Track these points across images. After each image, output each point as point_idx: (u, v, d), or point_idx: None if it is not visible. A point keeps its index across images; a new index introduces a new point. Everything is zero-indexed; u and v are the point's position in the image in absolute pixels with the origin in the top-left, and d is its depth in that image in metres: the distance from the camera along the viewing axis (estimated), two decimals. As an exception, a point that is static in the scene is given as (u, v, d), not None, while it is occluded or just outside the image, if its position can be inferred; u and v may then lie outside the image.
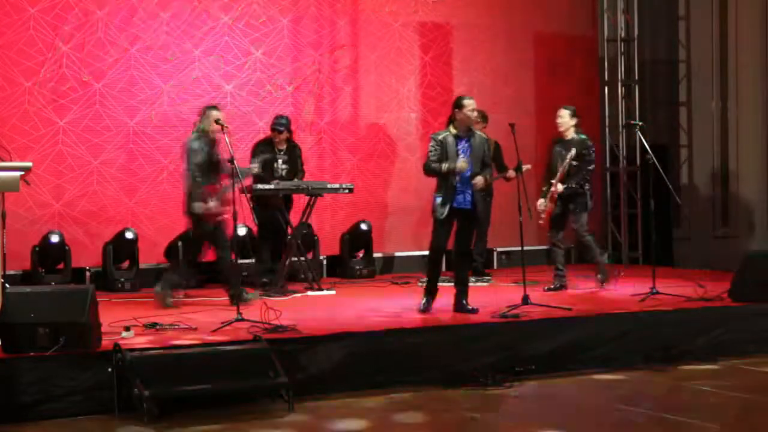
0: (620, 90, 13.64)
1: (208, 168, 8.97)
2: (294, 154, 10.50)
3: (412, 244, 12.07)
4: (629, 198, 13.56)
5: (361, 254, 11.84)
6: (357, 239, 11.78)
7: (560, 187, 9.60)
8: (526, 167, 9.78)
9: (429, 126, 12.07)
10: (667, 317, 8.49)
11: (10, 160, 7.56)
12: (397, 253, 12.27)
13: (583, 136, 9.79)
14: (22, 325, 6.66)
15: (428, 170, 8.46)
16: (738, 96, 13.16)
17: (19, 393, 6.41)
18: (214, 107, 9.18)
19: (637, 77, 13.65)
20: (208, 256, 10.89)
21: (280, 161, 10.41)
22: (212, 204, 8.90)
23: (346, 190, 10.50)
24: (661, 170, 9.69)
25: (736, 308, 8.82)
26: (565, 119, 9.79)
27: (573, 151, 9.52)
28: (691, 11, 13.72)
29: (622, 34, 13.68)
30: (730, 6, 13.20)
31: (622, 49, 13.67)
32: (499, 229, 11.53)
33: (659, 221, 10.65)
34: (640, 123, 10.78)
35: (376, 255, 11.94)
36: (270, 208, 10.12)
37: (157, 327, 7.76)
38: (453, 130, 8.40)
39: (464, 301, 8.51)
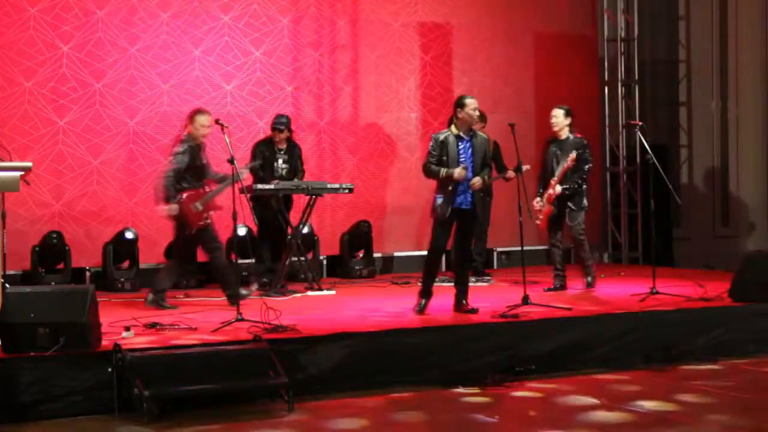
0: (620, 90, 13.64)
1: (193, 172, 8.94)
2: (294, 154, 10.50)
3: (412, 244, 12.07)
4: (629, 198, 13.57)
5: (361, 254, 11.84)
6: (357, 239, 11.78)
7: (559, 188, 9.57)
8: (525, 167, 9.77)
9: (429, 126, 12.07)
10: (667, 317, 8.48)
11: (10, 160, 7.54)
12: (397, 253, 12.28)
13: (579, 136, 9.75)
14: (22, 325, 6.65)
15: (427, 172, 8.42)
16: (738, 96, 13.16)
17: (19, 393, 6.41)
18: (201, 112, 9.11)
19: (637, 77, 13.65)
20: (203, 256, 10.93)
21: (280, 161, 10.41)
22: (173, 207, 8.86)
23: (346, 190, 10.50)
24: (661, 170, 9.68)
25: (736, 308, 8.82)
26: (560, 119, 9.75)
27: (574, 153, 9.49)
28: (691, 11, 13.72)
29: (622, 34, 13.69)
30: (730, 6, 13.21)
31: (622, 49, 13.67)
32: (499, 229, 11.54)
33: (659, 221, 10.65)
34: (640, 123, 10.76)
35: (376, 255, 11.95)
36: (270, 208, 10.12)
37: (157, 327, 7.76)
38: (454, 130, 8.39)
39: (464, 301, 8.50)
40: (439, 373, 7.45)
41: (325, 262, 11.86)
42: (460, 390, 7.26)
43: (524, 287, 8.59)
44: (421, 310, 8.45)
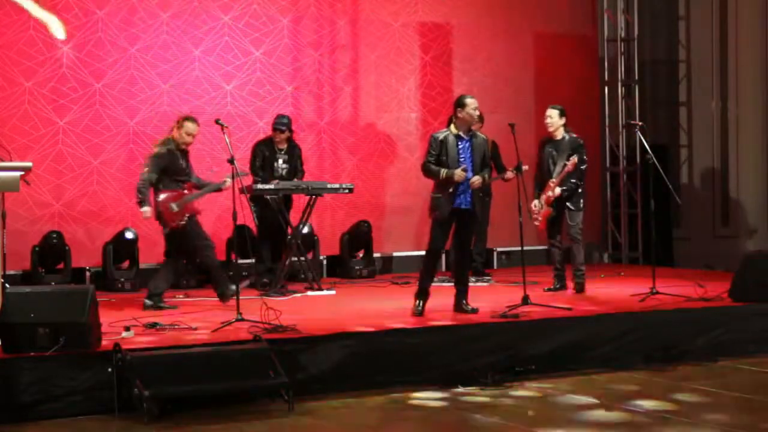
0: (620, 90, 13.64)
1: (172, 175, 8.93)
2: (294, 154, 10.51)
3: (412, 244, 12.07)
4: (629, 198, 13.56)
5: (361, 254, 11.84)
6: (357, 239, 11.77)
7: (558, 190, 9.53)
8: (524, 168, 9.76)
9: (429, 126, 12.07)
10: (667, 317, 8.48)
11: (10, 160, 7.54)
12: (397, 253, 12.27)
13: (574, 135, 9.69)
14: (22, 325, 6.66)
15: (427, 172, 8.40)
16: (738, 96, 13.15)
17: (19, 393, 6.41)
18: (191, 119, 9.11)
19: (637, 77, 13.65)
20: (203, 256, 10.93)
21: (280, 161, 10.41)
22: (147, 210, 8.85)
23: (346, 190, 10.50)
24: (661, 170, 9.68)
25: (736, 308, 8.82)
26: (555, 119, 9.67)
27: (575, 157, 9.45)
28: (691, 11, 13.71)
29: (622, 34, 13.68)
30: (730, 6, 13.20)
31: (622, 49, 13.67)
32: (499, 229, 11.53)
33: (659, 221, 10.64)
34: (640, 123, 10.76)
35: (376, 255, 11.94)
36: (270, 208, 10.12)
37: (157, 327, 7.76)
38: (454, 130, 8.38)
39: (464, 301, 8.49)
40: (439, 373, 7.45)
41: (325, 262, 11.85)
42: (460, 390, 7.26)
43: (524, 287, 8.59)
44: (420, 312, 8.39)
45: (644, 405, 6.82)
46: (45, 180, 10.54)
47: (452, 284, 8.82)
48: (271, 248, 10.52)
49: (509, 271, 11.72)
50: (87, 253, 10.76)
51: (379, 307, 9.02)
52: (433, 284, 8.74)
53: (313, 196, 10.28)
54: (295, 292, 10.01)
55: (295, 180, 10.34)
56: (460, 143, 8.33)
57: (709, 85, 13.44)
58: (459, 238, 8.57)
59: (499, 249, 12.71)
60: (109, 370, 6.54)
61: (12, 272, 9.95)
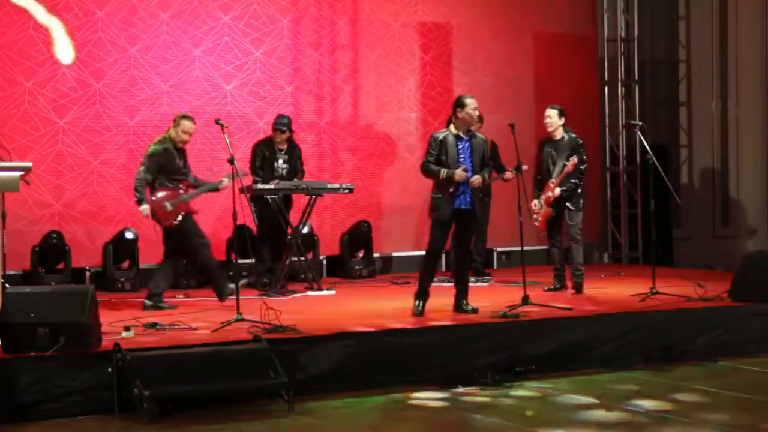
0: (620, 90, 13.64)
1: (168, 174, 8.93)
2: (294, 155, 10.51)
3: (412, 244, 12.07)
4: (629, 198, 13.57)
5: (361, 254, 11.84)
6: (357, 239, 11.77)
7: (558, 191, 9.51)
8: (524, 168, 9.74)
9: (429, 126, 12.07)
10: (667, 317, 8.48)
11: (10, 160, 7.54)
12: (397, 253, 12.27)
13: (573, 135, 9.66)
14: (22, 325, 6.66)
15: (426, 172, 8.39)
16: (738, 96, 13.15)
17: (19, 393, 6.41)
18: (187, 117, 9.10)
19: (637, 77, 13.65)
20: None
21: (280, 161, 10.42)
22: (145, 208, 8.85)
23: (346, 190, 10.50)
24: (661, 170, 9.67)
25: (736, 308, 8.82)
26: (554, 119, 9.64)
27: (575, 158, 9.43)
28: (691, 11, 13.71)
29: (622, 34, 13.69)
30: (730, 6, 13.19)
31: (622, 49, 13.67)
32: (499, 229, 11.53)
33: (659, 221, 10.64)
34: (640, 123, 10.75)
35: (376, 255, 11.94)
36: (270, 208, 10.12)
37: (157, 327, 7.76)
38: (453, 130, 8.38)
39: (464, 301, 8.49)
40: (439, 373, 7.45)
41: (325, 262, 11.85)
42: (460, 390, 7.26)
43: (524, 287, 8.59)
44: (420, 312, 8.38)
45: (644, 405, 6.82)
46: (45, 180, 10.54)
47: (452, 284, 8.81)
48: (271, 248, 10.52)
49: (509, 271, 11.72)
50: (87, 253, 10.76)
51: (379, 307, 9.02)
52: (433, 284, 8.74)
53: (313, 196, 10.28)
54: (295, 292, 10.01)
55: (295, 180, 10.34)
56: (459, 143, 8.33)
57: (709, 85, 13.44)
58: (459, 239, 8.57)
59: (499, 249, 12.71)
60: (109, 370, 6.54)
61: (12, 272, 9.95)
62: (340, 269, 11.75)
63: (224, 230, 11.01)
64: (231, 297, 8.85)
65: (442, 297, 8.77)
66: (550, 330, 8.00)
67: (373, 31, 12.21)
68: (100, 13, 10.86)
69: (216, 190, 9.28)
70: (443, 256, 11.69)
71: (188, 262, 9.55)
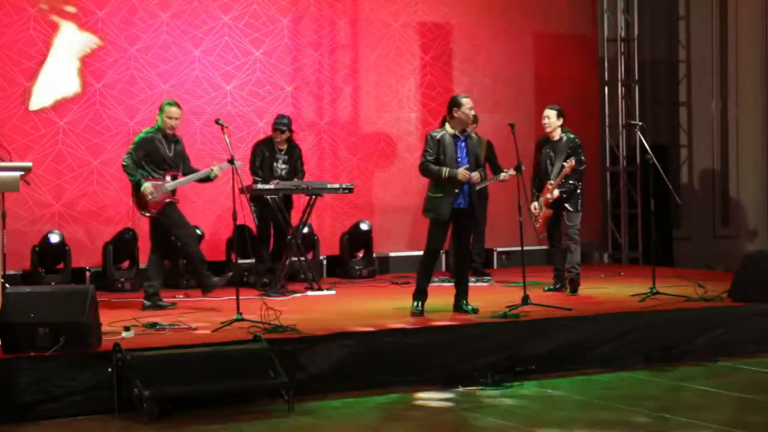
0: (620, 90, 13.64)
1: (154, 163, 8.89)
2: (294, 155, 10.51)
3: (413, 244, 12.05)
4: (629, 198, 13.56)
5: (361, 254, 11.83)
6: (357, 239, 11.77)
7: (556, 192, 9.48)
8: (510, 171, 9.74)
9: (429, 126, 12.05)
10: (667, 317, 8.48)
11: (10, 160, 7.54)
12: (397, 253, 12.27)
13: (571, 135, 9.62)
14: (22, 325, 6.66)
15: (426, 171, 8.36)
16: (738, 96, 13.15)
17: (19, 393, 6.41)
18: (172, 102, 9.06)
19: (637, 77, 13.65)
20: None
21: (280, 161, 10.41)
22: (147, 186, 8.79)
23: (346, 190, 10.50)
24: (661, 170, 9.67)
25: (736, 308, 8.82)
26: (552, 119, 9.61)
27: (572, 160, 9.41)
28: (691, 11, 13.71)
29: (622, 34, 13.68)
30: (730, 6, 13.20)
31: (622, 49, 13.67)
32: (499, 229, 11.53)
33: (659, 221, 10.64)
34: (640, 123, 10.75)
35: (376, 255, 11.94)
36: (270, 208, 10.12)
37: (157, 327, 7.76)
38: (450, 130, 8.37)
39: (464, 301, 8.49)
40: (439, 373, 7.45)
41: (325, 262, 11.85)
42: (460, 390, 7.26)
43: (524, 287, 8.59)
44: (419, 312, 8.38)
45: (644, 405, 6.82)
46: (45, 180, 10.54)
47: (452, 284, 8.81)
48: (271, 248, 10.53)
49: (509, 271, 11.72)
50: (87, 253, 10.76)
51: (379, 307, 9.02)
52: (433, 284, 8.72)
53: (313, 196, 10.28)
54: (295, 292, 10.01)
55: (296, 180, 10.34)
56: (456, 143, 8.33)
57: (709, 85, 13.44)
58: (458, 238, 8.57)
59: (499, 249, 12.71)
60: (109, 370, 6.54)
61: (12, 272, 9.95)
62: (340, 269, 11.75)
63: (224, 230, 11.02)
64: (214, 289, 9.04)
65: (442, 297, 8.77)
66: (550, 330, 8.00)
67: (373, 31, 12.21)
68: (100, 14, 10.86)
69: (208, 179, 9.21)
70: (443, 256, 11.72)
71: (173, 253, 9.48)
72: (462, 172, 8.20)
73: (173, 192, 8.97)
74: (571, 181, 9.47)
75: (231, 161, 8.29)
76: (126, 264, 10.67)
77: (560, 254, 9.81)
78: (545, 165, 9.60)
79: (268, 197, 10.05)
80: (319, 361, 7.18)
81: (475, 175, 8.31)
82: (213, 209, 11.24)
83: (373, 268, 11.72)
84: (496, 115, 11.98)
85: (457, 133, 8.35)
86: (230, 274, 9.65)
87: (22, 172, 6.98)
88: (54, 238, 10.36)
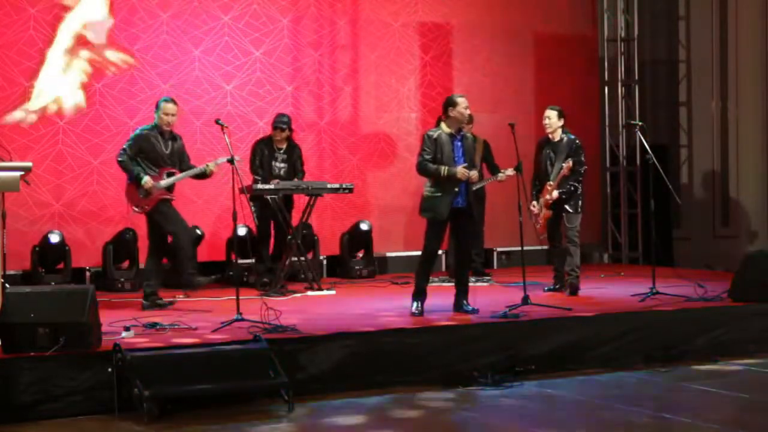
0: (620, 90, 13.64)
1: (149, 160, 8.88)
2: (293, 154, 10.51)
3: (413, 244, 12.03)
4: (629, 198, 13.56)
5: (361, 254, 11.83)
6: (357, 239, 11.77)
7: (556, 193, 9.45)
8: (511, 171, 9.73)
9: (429, 126, 11.92)
10: (667, 317, 8.49)
11: (10, 160, 7.54)
12: (397, 253, 12.27)
13: (572, 136, 9.59)
14: (22, 325, 6.66)
15: (424, 170, 8.34)
16: (738, 96, 13.15)
17: (19, 393, 6.41)
18: (168, 99, 9.04)
19: (637, 77, 13.65)
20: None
21: (279, 160, 10.41)
22: (147, 179, 8.76)
23: (346, 190, 10.49)
24: (661, 170, 9.67)
25: (736, 308, 8.82)
26: (553, 120, 9.57)
27: (570, 162, 9.39)
28: (691, 11, 13.71)
29: (622, 34, 13.68)
30: (730, 6, 13.19)
31: (622, 49, 13.67)
32: (499, 229, 11.52)
33: (659, 221, 10.64)
34: (640, 123, 10.74)
35: (376, 255, 11.93)
36: (270, 208, 10.12)
37: (157, 327, 7.76)
38: (446, 129, 8.37)
39: (464, 301, 8.49)
40: (439, 373, 7.45)
41: (325, 262, 11.85)
42: (460, 390, 7.26)
43: (524, 287, 8.59)
44: (419, 312, 8.37)
45: (644, 405, 6.82)
46: (45, 180, 10.54)
47: (452, 284, 8.80)
48: (272, 248, 10.53)
49: (509, 271, 11.72)
50: (87, 253, 10.76)
51: (379, 307, 9.02)
52: (434, 284, 8.69)
53: (313, 196, 10.28)
54: (295, 292, 10.01)
55: (295, 180, 10.34)
56: (453, 142, 8.32)
57: (709, 85, 13.44)
58: (457, 238, 8.56)
59: (499, 249, 12.71)
60: (109, 370, 6.54)
61: (12, 272, 9.94)
62: (340, 269, 11.75)
63: (224, 230, 11.02)
64: (198, 289, 9.12)
65: (441, 297, 8.77)
66: (550, 330, 8.00)
67: (373, 31, 12.21)
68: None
69: (203, 175, 9.19)
70: (443, 256, 11.72)
71: (167, 251, 9.48)
72: (461, 170, 8.20)
73: (169, 189, 8.95)
74: (570, 182, 9.44)
75: (231, 160, 8.27)
76: (126, 264, 10.66)
77: (560, 255, 9.81)
78: (545, 166, 9.58)
79: (268, 197, 10.05)
80: (319, 361, 7.18)
81: (474, 174, 8.32)
82: (213, 209, 11.24)
83: (373, 268, 11.72)
84: (496, 115, 11.97)
85: (453, 132, 8.35)
86: (213, 277, 9.66)
87: (22, 172, 6.98)
88: (54, 238, 10.36)
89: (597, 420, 6.50)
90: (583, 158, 9.54)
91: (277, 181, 10.16)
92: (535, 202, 9.57)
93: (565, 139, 9.54)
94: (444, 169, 8.22)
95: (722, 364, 8.16)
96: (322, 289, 10.12)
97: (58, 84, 10.65)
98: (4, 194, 7.53)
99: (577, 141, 9.56)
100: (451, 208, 8.30)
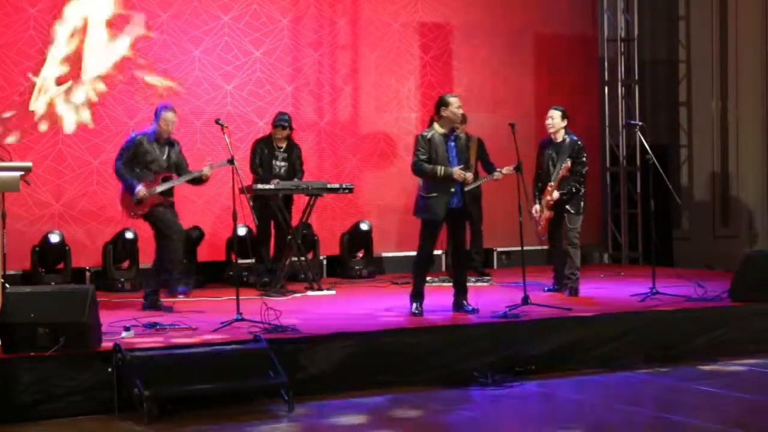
0: (620, 90, 13.64)
1: (144, 166, 8.85)
2: (293, 154, 10.51)
3: (413, 244, 11.97)
4: (629, 198, 13.56)
5: (361, 254, 11.83)
6: (357, 239, 11.77)
7: (556, 194, 9.43)
8: (509, 168, 9.73)
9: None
10: (667, 317, 8.49)
11: (10, 160, 7.54)
12: (397, 253, 12.26)
13: (574, 137, 9.57)
14: (22, 325, 6.65)
15: (420, 171, 8.31)
16: (738, 96, 13.16)
17: (19, 393, 6.41)
18: (168, 108, 9.02)
19: (637, 77, 13.65)
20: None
21: (279, 159, 10.41)
22: (140, 189, 8.74)
23: (346, 190, 10.49)
24: (661, 170, 9.67)
25: (736, 308, 8.82)
26: (557, 120, 9.52)
27: (569, 162, 9.37)
28: (691, 11, 13.72)
29: (622, 34, 13.68)
30: (730, 6, 13.21)
31: (622, 49, 13.67)
32: (499, 229, 11.52)
33: (659, 221, 10.64)
34: (640, 123, 10.75)
35: (376, 255, 11.93)
36: (270, 208, 10.12)
37: (157, 327, 7.76)
38: (439, 129, 8.36)
39: (464, 301, 8.49)
40: (439, 373, 7.45)
41: (325, 262, 11.85)
42: (460, 390, 7.26)
43: (524, 287, 8.59)
44: (419, 312, 8.36)
45: (644, 405, 6.81)
46: (45, 180, 10.54)
47: (452, 284, 8.80)
48: (272, 248, 10.53)
49: (509, 271, 11.72)
50: (87, 253, 10.76)
51: (379, 307, 9.02)
52: (434, 284, 8.67)
53: (313, 196, 10.28)
54: (295, 292, 10.01)
55: (295, 180, 10.34)
56: (447, 142, 8.32)
57: (709, 85, 13.45)
58: (454, 238, 8.54)
59: (499, 249, 12.71)
60: (109, 370, 6.54)
61: (12, 272, 9.94)
62: (340, 269, 11.75)
63: (224, 230, 11.02)
64: (177, 296, 9.18)
65: (441, 297, 8.77)
66: (550, 330, 8.00)
67: (373, 31, 12.21)
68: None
69: (199, 180, 9.18)
70: (443, 256, 11.72)
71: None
72: (458, 171, 8.20)
73: (164, 194, 8.91)
74: (572, 183, 9.40)
75: (231, 161, 8.27)
76: (126, 264, 10.66)
77: (560, 255, 9.77)
78: (547, 166, 9.54)
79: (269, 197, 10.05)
80: (319, 361, 7.19)
81: (470, 175, 8.32)
82: (213, 209, 11.24)
83: (372, 268, 11.72)
84: (496, 115, 11.98)
85: (446, 132, 8.34)
86: (191, 286, 9.73)
87: (22, 172, 6.98)
88: (54, 238, 10.36)
89: (597, 420, 6.50)
90: (584, 159, 9.50)
91: (277, 180, 10.16)
92: (537, 206, 9.51)
93: (568, 139, 9.51)
94: (440, 169, 8.21)
95: (722, 364, 8.15)
96: (322, 289, 10.12)
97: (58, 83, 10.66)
98: (4, 194, 7.52)
99: (579, 142, 9.53)
100: (449, 209, 8.29)
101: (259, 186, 9.99)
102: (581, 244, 9.66)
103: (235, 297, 8.03)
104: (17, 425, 6.31)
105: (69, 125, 10.69)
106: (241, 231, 10.51)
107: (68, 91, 10.68)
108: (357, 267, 11.61)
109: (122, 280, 10.40)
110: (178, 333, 7.64)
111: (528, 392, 7.24)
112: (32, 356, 6.56)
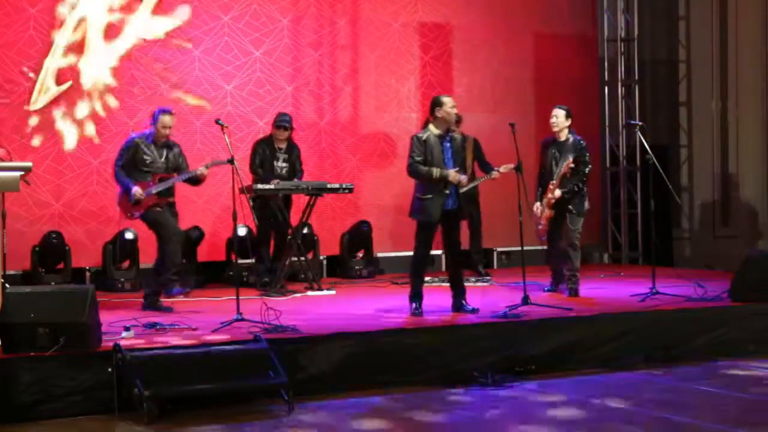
0: (620, 90, 13.64)
1: (141, 167, 8.85)
2: (293, 154, 10.51)
3: (412, 244, 12.02)
4: (629, 198, 13.57)
5: (361, 254, 11.83)
6: (357, 239, 11.77)
7: (558, 192, 9.42)
8: (506, 167, 9.71)
9: (429, 126, 12.04)
10: (667, 317, 8.49)
11: (10, 160, 7.55)
12: (397, 253, 12.26)
13: (578, 137, 9.55)
14: (22, 325, 6.65)
15: (416, 173, 8.27)
16: (738, 96, 13.16)
17: (19, 393, 6.41)
18: (165, 111, 9.02)
19: (637, 77, 13.65)
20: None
21: (280, 160, 10.41)
22: (137, 190, 8.73)
23: (346, 190, 10.49)
24: (661, 170, 9.67)
25: (736, 308, 8.82)
26: (561, 119, 9.50)
27: (570, 158, 9.36)
28: (691, 11, 13.72)
29: (622, 34, 13.69)
30: (730, 6, 13.21)
31: (622, 49, 13.67)
32: (499, 229, 11.52)
33: (659, 221, 10.64)
34: (640, 123, 10.74)
35: (376, 255, 11.93)
36: (270, 208, 10.12)
37: (157, 327, 7.76)
38: (434, 130, 8.35)
39: (463, 301, 8.48)
40: (439, 373, 7.45)
41: (325, 262, 11.85)
42: (460, 390, 7.26)
43: (524, 287, 8.59)
44: (419, 312, 8.35)
45: (644, 405, 6.81)
46: (45, 180, 10.54)
47: (450, 285, 8.79)
48: (272, 248, 10.53)
49: (509, 271, 11.72)
50: (87, 253, 10.76)
51: (379, 307, 9.02)
52: (434, 284, 8.65)
53: (313, 196, 10.28)
54: (295, 292, 10.01)
55: (295, 180, 10.34)
56: (442, 143, 8.31)
57: (709, 85, 13.45)
58: (450, 239, 8.51)
59: (499, 249, 12.71)
60: (109, 370, 6.54)
61: (12, 272, 9.95)
62: (340, 269, 11.75)
63: (224, 230, 11.02)
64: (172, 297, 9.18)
65: (441, 297, 8.76)
66: (550, 330, 8.00)
67: (373, 31, 12.21)
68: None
69: (196, 180, 9.17)
70: (443, 257, 11.71)
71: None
72: (453, 174, 8.18)
73: (162, 194, 8.90)
74: (574, 182, 9.38)
75: (231, 161, 8.26)
76: (126, 264, 10.66)
77: (557, 254, 9.73)
78: (550, 166, 9.53)
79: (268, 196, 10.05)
80: (319, 361, 7.19)
81: (464, 178, 8.32)
82: (213, 209, 11.24)
83: (372, 268, 11.72)
84: (496, 115, 11.98)
85: (441, 133, 8.33)
86: (189, 289, 9.73)
87: (22, 172, 6.98)
88: (54, 238, 10.36)
89: (597, 420, 6.50)
90: (588, 159, 9.49)
91: (277, 181, 10.15)
92: (538, 204, 9.50)
93: (571, 139, 9.49)
94: (436, 171, 8.19)
95: (722, 364, 8.15)
96: (322, 289, 10.12)
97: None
98: (4, 194, 7.53)
99: (582, 142, 9.51)
100: (444, 210, 8.27)
101: (259, 186, 9.99)
102: (581, 244, 9.65)
103: (235, 297, 8.03)
104: (17, 425, 6.31)
105: (70, 129, 10.68)
106: (241, 231, 10.51)
107: (68, 91, 10.68)
108: (357, 267, 11.61)
109: (122, 280, 10.41)
110: (178, 333, 7.64)
111: (528, 392, 7.24)
112: (32, 356, 6.56)
